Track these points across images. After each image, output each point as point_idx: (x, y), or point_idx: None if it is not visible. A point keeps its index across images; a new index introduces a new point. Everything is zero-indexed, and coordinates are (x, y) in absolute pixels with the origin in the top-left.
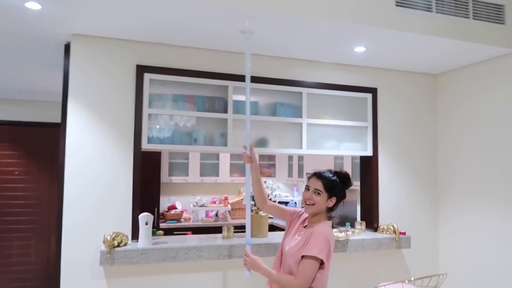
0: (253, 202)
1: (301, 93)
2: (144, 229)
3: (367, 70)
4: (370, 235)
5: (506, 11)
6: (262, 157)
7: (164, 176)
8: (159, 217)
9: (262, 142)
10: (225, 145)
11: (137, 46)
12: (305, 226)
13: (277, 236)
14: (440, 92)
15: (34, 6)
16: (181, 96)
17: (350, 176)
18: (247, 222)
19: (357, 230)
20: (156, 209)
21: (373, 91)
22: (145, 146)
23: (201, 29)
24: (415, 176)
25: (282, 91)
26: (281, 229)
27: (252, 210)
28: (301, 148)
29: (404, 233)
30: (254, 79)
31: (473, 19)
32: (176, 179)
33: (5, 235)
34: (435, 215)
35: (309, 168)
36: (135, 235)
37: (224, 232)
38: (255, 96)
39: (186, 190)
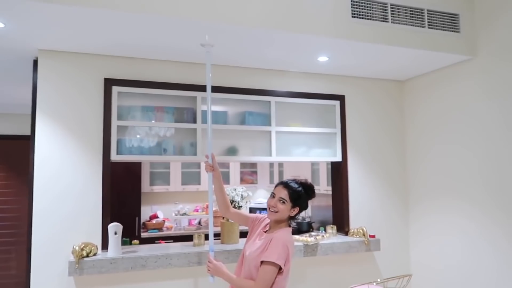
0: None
1: (269, 102)
2: (113, 239)
3: (334, 78)
4: (339, 238)
5: (461, 20)
6: (244, 165)
7: (145, 186)
8: (140, 227)
9: (232, 151)
10: (195, 154)
11: (105, 60)
12: (265, 231)
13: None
14: (406, 97)
15: None
16: (150, 108)
17: (314, 188)
18: (210, 229)
19: (328, 234)
20: (137, 218)
21: (340, 98)
22: (114, 157)
23: (166, 43)
24: (384, 179)
25: (251, 101)
26: None
27: (223, 218)
28: (270, 155)
29: (373, 236)
30: (223, 89)
31: (429, 28)
32: (157, 188)
33: None
34: (405, 217)
35: (289, 174)
36: (105, 245)
37: (195, 240)
38: (224, 106)
39: (167, 199)
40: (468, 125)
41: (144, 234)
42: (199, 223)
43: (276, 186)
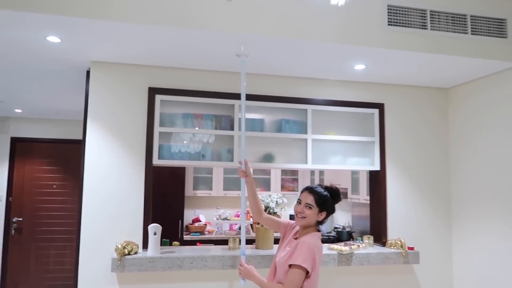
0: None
1: (306, 110)
2: (153, 239)
3: (372, 86)
4: (376, 249)
5: (509, 25)
6: (285, 172)
7: (189, 190)
8: (183, 229)
9: (268, 158)
10: (231, 160)
11: (149, 70)
12: (295, 238)
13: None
14: (452, 106)
15: (55, 39)
16: (190, 115)
17: (340, 192)
18: (242, 233)
19: (364, 244)
20: (180, 221)
21: (379, 106)
22: (156, 161)
23: (205, 53)
24: (425, 190)
25: (287, 109)
26: None
27: (258, 223)
28: (306, 163)
29: (412, 248)
30: (260, 98)
31: (472, 34)
32: (200, 192)
33: (44, 244)
34: (448, 232)
35: (329, 182)
36: (145, 244)
37: (230, 243)
38: (261, 114)
39: (210, 203)
40: None
41: (186, 237)
42: (240, 228)
43: (302, 192)
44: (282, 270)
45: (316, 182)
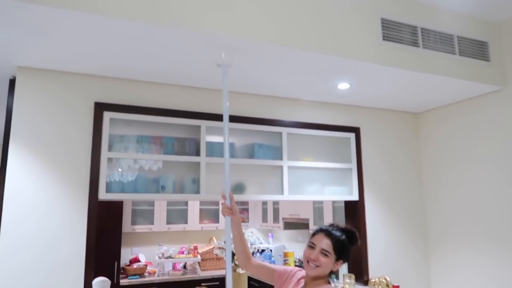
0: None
1: (280, 133)
2: None
3: (350, 108)
4: None
5: (490, 48)
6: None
7: (127, 225)
8: (119, 273)
9: (239, 188)
10: (198, 192)
11: (96, 81)
12: None
13: None
14: (423, 131)
15: None
16: (146, 138)
17: (357, 234)
18: (228, 283)
19: (347, 286)
20: (116, 263)
21: (356, 130)
22: (103, 196)
23: (170, 62)
24: (403, 222)
25: (260, 131)
26: (263, 285)
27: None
28: (282, 193)
29: (397, 287)
30: (230, 118)
31: (460, 55)
32: (139, 228)
33: None
34: (426, 266)
35: (285, 213)
36: None
37: None
38: (231, 137)
39: (150, 240)
40: (492, 161)
41: (123, 281)
42: (184, 266)
43: (314, 234)
44: None
45: (270, 212)
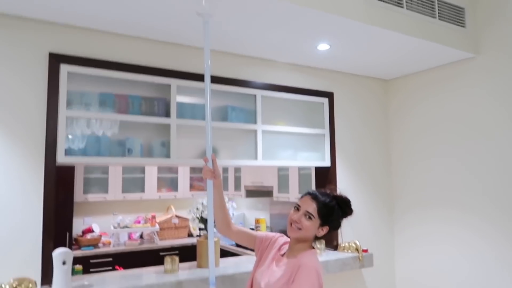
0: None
1: (255, 95)
2: (61, 271)
3: (325, 73)
4: (332, 255)
5: (467, 14)
6: (193, 169)
7: (78, 194)
8: (71, 244)
9: None
10: (168, 156)
11: (52, 28)
12: (282, 254)
13: (231, 265)
14: (391, 98)
15: None
16: (110, 96)
17: (351, 203)
18: (210, 254)
19: (318, 251)
20: (68, 234)
21: (329, 95)
22: (62, 159)
23: (142, 11)
24: (372, 188)
25: (234, 93)
26: (234, 254)
27: (200, 235)
28: (256, 158)
29: (366, 251)
30: (201, 78)
31: (439, 19)
32: (93, 197)
33: None
34: (390, 229)
35: (247, 181)
36: (47, 279)
37: (167, 265)
38: (202, 98)
39: (105, 209)
40: (461, 129)
41: (76, 253)
42: (141, 236)
43: (302, 197)
44: None
45: (231, 180)
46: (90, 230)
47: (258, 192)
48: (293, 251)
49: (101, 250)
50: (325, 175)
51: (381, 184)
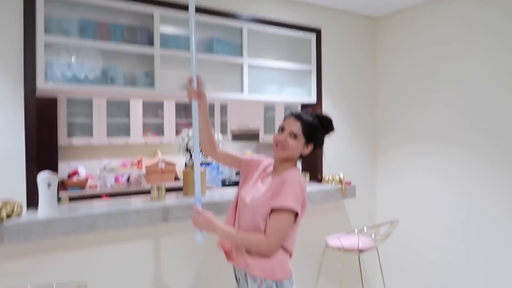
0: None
1: (241, 29)
2: (47, 194)
3: (313, 8)
4: (316, 186)
5: None
6: (179, 113)
7: (63, 138)
8: (58, 187)
9: None
10: (152, 85)
11: None
12: (267, 174)
13: (217, 194)
14: (379, 36)
15: None
16: (90, 23)
17: (332, 121)
18: (196, 174)
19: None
20: None
21: (317, 31)
22: (43, 84)
23: None
24: (357, 124)
25: (219, 26)
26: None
27: (185, 165)
28: (242, 92)
29: (349, 183)
30: (186, 8)
31: None
32: (77, 140)
33: None
34: (374, 163)
35: (233, 125)
36: (32, 202)
37: (154, 193)
38: (186, 29)
39: (90, 153)
40: (445, 65)
41: (63, 195)
42: (128, 180)
43: (285, 119)
44: (258, 213)
45: (218, 124)
46: (76, 173)
47: (245, 136)
48: (277, 170)
49: (88, 192)
50: (318, 110)
51: (366, 120)
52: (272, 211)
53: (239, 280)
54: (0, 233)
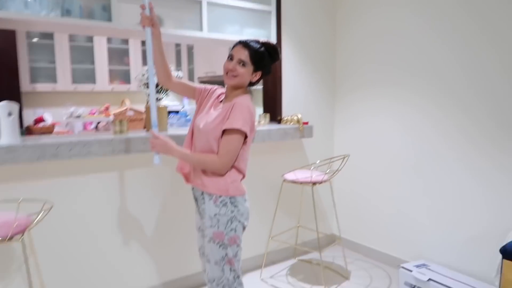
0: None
1: None
2: (8, 122)
3: None
4: (275, 126)
5: None
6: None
7: (25, 84)
8: (23, 133)
9: None
10: (109, 19)
11: None
12: (220, 102)
13: (178, 131)
14: None
15: None
16: None
17: (278, 49)
18: (152, 101)
19: (262, 122)
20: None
21: None
22: None
23: None
24: (316, 69)
25: None
26: None
27: (147, 101)
28: (201, 30)
29: (307, 123)
30: None
31: None
32: (41, 86)
33: None
34: (332, 107)
35: (200, 72)
36: None
37: (116, 127)
38: None
39: (55, 100)
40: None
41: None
42: (96, 127)
43: (234, 47)
44: (211, 136)
45: (185, 71)
46: (41, 120)
47: (212, 83)
48: (229, 98)
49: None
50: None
51: (326, 65)
52: (224, 133)
53: (197, 199)
54: None
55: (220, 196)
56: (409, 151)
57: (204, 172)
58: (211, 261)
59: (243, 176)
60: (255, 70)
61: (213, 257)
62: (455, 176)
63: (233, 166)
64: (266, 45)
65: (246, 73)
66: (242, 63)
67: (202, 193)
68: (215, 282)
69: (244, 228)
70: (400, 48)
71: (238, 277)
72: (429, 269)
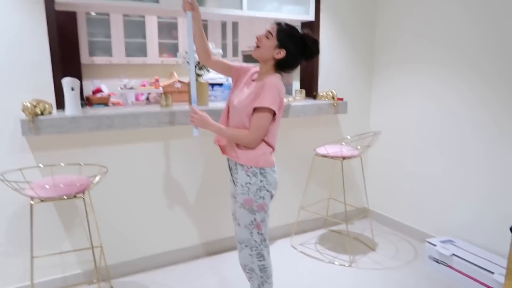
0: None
1: None
2: (71, 96)
3: None
4: (310, 101)
5: None
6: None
7: (85, 57)
8: (83, 99)
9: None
10: (156, 1)
11: None
12: (253, 80)
13: (218, 105)
14: None
15: None
16: None
17: (318, 41)
18: (192, 79)
19: (298, 97)
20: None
21: None
22: None
23: None
24: (354, 44)
25: None
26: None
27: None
28: (241, 8)
29: (341, 99)
30: None
31: None
32: (99, 60)
33: None
34: (369, 83)
35: (244, 46)
36: (60, 104)
37: (162, 101)
38: None
39: (111, 72)
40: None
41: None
42: (147, 98)
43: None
44: (244, 113)
45: (229, 46)
46: (99, 90)
47: None
48: (261, 76)
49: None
50: (309, 30)
51: (364, 40)
52: (254, 110)
53: (231, 169)
54: (37, 126)
55: (251, 167)
56: (444, 129)
57: (238, 145)
58: (241, 225)
59: (273, 150)
60: (279, 46)
61: (243, 221)
62: (487, 156)
63: (263, 140)
64: (306, 36)
65: (268, 45)
66: (267, 35)
67: (236, 164)
68: (244, 243)
69: (272, 196)
70: (429, 29)
71: (265, 240)
72: (454, 244)
